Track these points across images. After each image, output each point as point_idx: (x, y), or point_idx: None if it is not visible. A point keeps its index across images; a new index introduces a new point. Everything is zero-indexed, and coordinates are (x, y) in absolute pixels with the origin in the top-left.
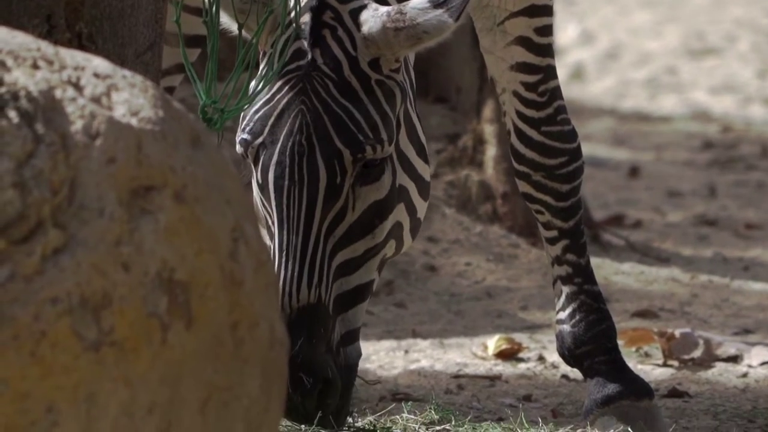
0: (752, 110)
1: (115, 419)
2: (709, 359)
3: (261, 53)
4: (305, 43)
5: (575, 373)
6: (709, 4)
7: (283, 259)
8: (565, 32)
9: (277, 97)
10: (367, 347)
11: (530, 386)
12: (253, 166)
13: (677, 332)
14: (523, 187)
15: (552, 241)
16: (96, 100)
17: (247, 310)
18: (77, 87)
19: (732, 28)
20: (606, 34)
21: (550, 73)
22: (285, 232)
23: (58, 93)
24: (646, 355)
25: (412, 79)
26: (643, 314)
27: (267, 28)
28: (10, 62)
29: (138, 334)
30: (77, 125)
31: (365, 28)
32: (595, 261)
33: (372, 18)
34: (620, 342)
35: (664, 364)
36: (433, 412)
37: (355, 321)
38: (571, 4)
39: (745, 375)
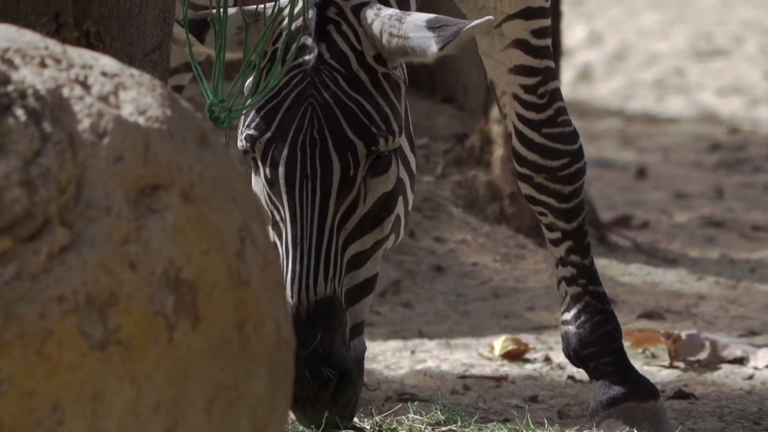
0: (759, 112)
1: (121, 418)
2: (716, 361)
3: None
4: (310, 39)
5: (581, 374)
6: (717, 5)
7: (297, 253)
8: (572, 33)
9: (284, 92)
10: (373, 347)
11: (536, 387)
12: (260, 162)
13: (683, 334)
14: (526, 189)
15: (556, 243)
16: (103, 98)
17: (253, 309)
18: (85, 86)
19: (739, 30)
20: (613, 35)
21: (549, 74)
22: (298, 226)
23: (65, 91)
24: (653, 356)
25: (405, 75)
26: (649, 315)
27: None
28: (17, 60)
29: (144, 333)
30: (84, 124)
31: (366, 24)
32: (601, 262)
33: (375, 17)
34: (626, 343)
35: (670, 366)
36: (439, 412)
37: (361, 314)
38: (578, 4)
39: (751, 377)
